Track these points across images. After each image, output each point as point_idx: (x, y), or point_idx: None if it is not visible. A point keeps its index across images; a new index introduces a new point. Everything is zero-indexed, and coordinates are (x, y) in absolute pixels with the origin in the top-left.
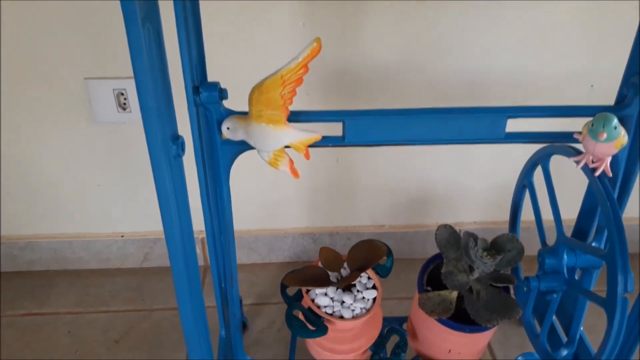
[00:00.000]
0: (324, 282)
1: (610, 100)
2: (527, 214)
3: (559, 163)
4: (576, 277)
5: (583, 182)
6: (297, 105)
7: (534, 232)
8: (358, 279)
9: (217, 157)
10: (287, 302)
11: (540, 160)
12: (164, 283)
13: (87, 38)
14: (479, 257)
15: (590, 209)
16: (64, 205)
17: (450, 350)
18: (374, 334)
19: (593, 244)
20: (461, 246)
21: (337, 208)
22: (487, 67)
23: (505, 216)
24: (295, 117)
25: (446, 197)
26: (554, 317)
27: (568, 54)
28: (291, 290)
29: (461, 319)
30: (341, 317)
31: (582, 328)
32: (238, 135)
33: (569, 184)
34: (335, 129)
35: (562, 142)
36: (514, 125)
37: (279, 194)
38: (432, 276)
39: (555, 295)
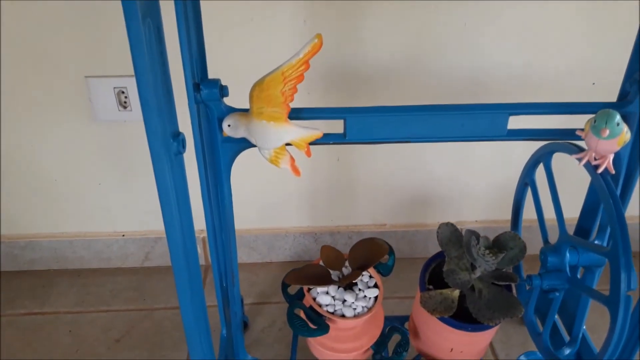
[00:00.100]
0: (326, 280)
1: (612, 98)
2: (528, 213)
3: (560, 161)
4: (578, 276)
5: (585, 180)
6: (298, 104)
7: (535, 231)
8: (359, 278)
9: (218, 155)
10: (288, 301)
11: (542, 158)
12: (165, 282)
13: (88, 36)
14: (481, 255)
15: (592, 207)
16: (64, 204)
17: (452, 349)
18: (376, 332)
19: (596, 242)
20: (463, 244)
21: (338, 207)
22: (488, 64)
23: (507, 215)
24: (296, 114)
25: (447, 196)
26: (556, 316)
27: (569, 51)
28: (292, 289)
29: (463, 317)
30: (343, 316)
31: (584, 327)
32: (239, 133)
33: (571, 182)
34: (336, 126)
35: (564, 140)
36: (515, 122)
37: (279, 193)
38: (433, 275)
39: (557, 294)
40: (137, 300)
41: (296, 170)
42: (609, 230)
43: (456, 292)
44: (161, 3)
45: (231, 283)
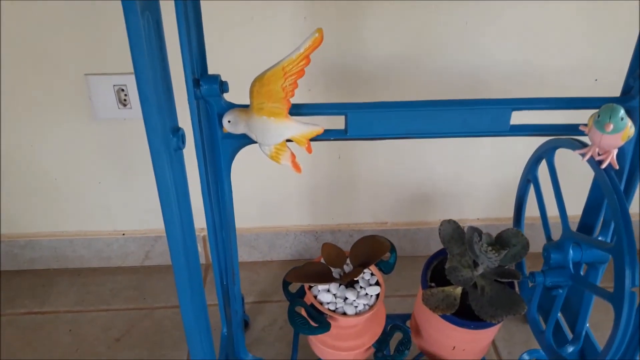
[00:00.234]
0: (327, 278)
1: (614, 94)
2: (530, 210)
3: (563, 157)
4: (582, 273)
5: (587, 176)
6: (298, 100)
7: (538, 228)
8: (361, 275)
9: (218, 151)
10: (289, 299)
11: (544, 154)
12: (165, 281)
13: (87, 33)
14: (483, 252)
15: (595, 203)
16: (64, 203)
17: (454, 347)
18: (377, 330)
19: (599, 239)
20: (465, 241)
21: (339, 205)
22: (489, 61)
23: (509, 213)
24: (297, 110)
25: (449, 193)
26: (559, 314)
27: (570, 51)
28: (293, 287)
29: (465, 315)
30: (344, 314)
31: (587, 324)
32: (239, 129)
33: (574, 179)
34: (337, 122)
35: (567, 135)
36: (518, 118)
37: (280, 191)
38: (436, 272)
39: (560, 291)
40: (137, 299)
41: (297, 167)
42: (612, 226)
43: (458, 290)
44: (161, 2)
45: (232, 281)
